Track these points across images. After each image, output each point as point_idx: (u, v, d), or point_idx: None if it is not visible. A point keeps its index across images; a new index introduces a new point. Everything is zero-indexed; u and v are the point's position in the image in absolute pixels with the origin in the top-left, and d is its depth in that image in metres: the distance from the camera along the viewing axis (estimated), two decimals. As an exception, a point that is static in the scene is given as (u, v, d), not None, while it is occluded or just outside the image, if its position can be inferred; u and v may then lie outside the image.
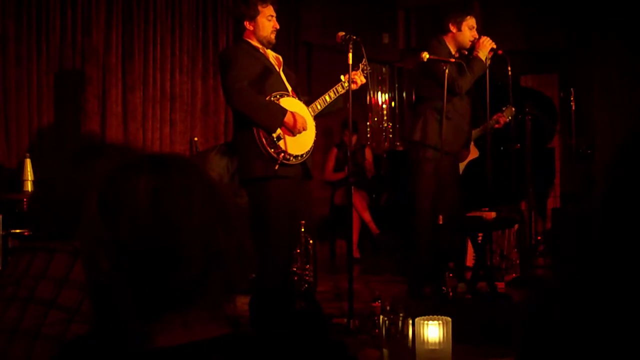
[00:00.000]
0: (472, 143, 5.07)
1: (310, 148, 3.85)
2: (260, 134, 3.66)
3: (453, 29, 4.56)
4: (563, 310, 1.07)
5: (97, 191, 0.99)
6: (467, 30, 4.54)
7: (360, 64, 4.05)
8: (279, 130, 3.68)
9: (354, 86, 3.97)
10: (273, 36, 3.85)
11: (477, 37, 4.55)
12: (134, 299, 0.95)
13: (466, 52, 4.60)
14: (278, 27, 3.87)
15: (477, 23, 4.66)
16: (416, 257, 4.57)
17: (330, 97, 3.97)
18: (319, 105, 3.94)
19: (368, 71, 4.13)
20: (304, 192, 4.00)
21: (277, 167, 3.67)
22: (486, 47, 4.48)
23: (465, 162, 5.01)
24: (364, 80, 4.05)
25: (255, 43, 3.84)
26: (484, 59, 4.47)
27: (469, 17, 4.56)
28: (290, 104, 3.80)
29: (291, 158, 3.72)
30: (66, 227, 1.47)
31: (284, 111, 3.70)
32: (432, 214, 4.41)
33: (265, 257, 3.72)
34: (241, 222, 1.03)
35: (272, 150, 3.65)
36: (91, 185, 1.01)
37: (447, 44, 4.54)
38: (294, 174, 3.77)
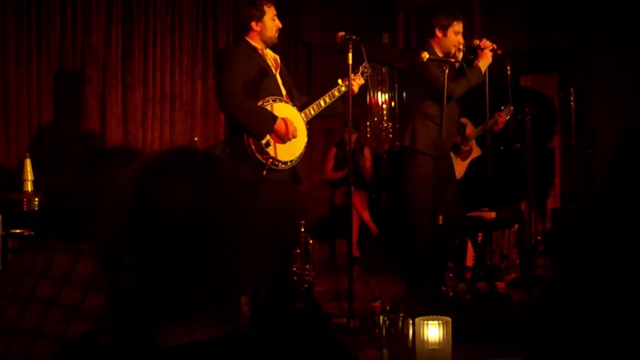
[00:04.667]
0: (474, 142, 5.07)
1: (300, 154, 3.85)
2: (250, 139, 3.67)
3: (439, 33, 4.54)
4: (565, 309, 1.07)
5: (131, 193, 0.94)
6: (453, 35, 4.51)
7: (360, 67, 4.05)
8: (267, 137, 3.69)
9: (354, 89, 3.97)
10: (276, 35, 3.88)
11: (462, 42, 4.53)
12: (149, 306, 0.93)
13: (471, 57, 4.59)
14: (281, 26, 3.90)
15: (475, 23, 4.65)
16: (414, 259, 4.58)
17: (325, 101, 3.97)
18: (312, 110, 3.93)
19: (369, 73, 4.12)
20: (298, 194, 4.00)
21: (265, 173, 3.68)
22: (488, 58, 4.47)
23: (467, 161, 5.01)
24: (362, 82, 4.05)
25: (255, 44, 3.84)
26: (483, 70, 4.46)
27: (456, 22, 4.52)
28: (283, 109, 3.81)
29: (280, 164, 3.73)
30: (75, 230, 1.47)
31: (274, 118, 3.70)
32: (429, 216, 4.42)
33: (262, 257, 3.72)
34: (261, 237, 1.01)
35: (260, 156, 3.67)
36: (121, 187, 0.96)
37: (434, 48, 4.53)
38: (283, 178, 3.78)
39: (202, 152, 1.01)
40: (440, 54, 4.50)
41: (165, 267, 0.92)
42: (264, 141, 3.68)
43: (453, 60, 4.44)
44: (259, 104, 3.73)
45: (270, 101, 3.77)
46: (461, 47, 4.51)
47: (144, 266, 0.92)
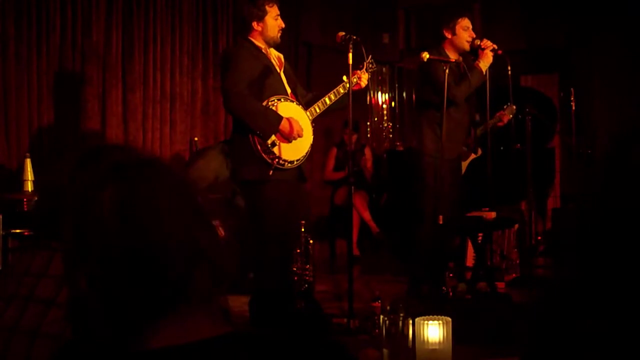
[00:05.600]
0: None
1: (306, 153, 3.85)
2: (256, 139, 3.67)
3: (448, 34, 4.55)
4: (565, 310, 1.07)
5: (69, 208, 0.97)
6: (462, 31, 4.52)
7: (365, 62, 4.05)
8: (273, 137, 3.68)
9: (361, 84, 3.98)
10: (279, 35, 3.86)
11: (474, 36, 4.54)
12: (116, 311, 0.93)
13: (472, 57, 4.59)
14: (284, 25, 3.88)
15: (475, 23, 4.65)
16: (417, 258, 4.57)
17: (330, 99, 3.96)
18: (318, 108, 3.93)
19: (373, 69, 4.13)
20: (302, 193, 4.00)
21: (271, 173, 3.67)
22: (489, 58, 4.47)
23: (467, 162, 5.02)
24: (368, 77, 4.06)
25: (258, 43, 3.83)
26: (484, 70, 4.46)
27: (460, 19, 4.54)
28: (288, 108, 3.80)
29: (286, 163, 3.73)
30: None
31: (279, 118, 3.70)
32: (433, 218, 4.42)
33: (264, 257, 3.74)
34: (221, 217, 1.01)
35: (267, 155, 3.66)
36: (63, 204, 0.99)
37: (447, 51, 4.53)
38: (289, 177, 3.78)
39: (123, 160, 1.01)
40: (455, 56, 4.49)
41: (116, 272, 0.92)
42: (269, 141, 3.67)
43: (453, 60, 4.43)
44: (264, 103, 3.72)
45: (275, 100, 3.76)
46: (476, 41, 4.50)
47: (98, 277, 0.93)
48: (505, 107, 4.92)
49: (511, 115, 4.94)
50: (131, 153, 1.07)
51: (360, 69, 4.03)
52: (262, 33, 3.82)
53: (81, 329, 0.98)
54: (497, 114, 4.88)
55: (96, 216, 0.93)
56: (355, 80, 3.96)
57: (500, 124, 4.91)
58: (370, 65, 4.09)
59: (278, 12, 3.85)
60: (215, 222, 0.99)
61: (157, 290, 0.93)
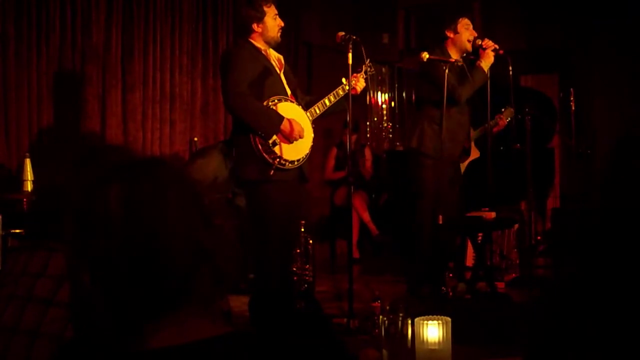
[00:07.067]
0: (472, 143, 5.08)
1: (307, 154, 3.84)
2: (257, 139, 3.67)
3: (450, 34, 4.59)
4: (565, 310, 1.07)
5: (73, 206, 0.97)
6: (464, 30, 4.57)
7: (363, 65, 4.05)
8: (274, 137, 3.68)
9: (357, 89, 3.99)
10: (279, 34, 3.87)
11: (475, 35, 4.57)
12: (119, 310, 0.93)
13: (472, 57, 4.60)
14: (283, 24, 3.88)
15: (476, 23, 4.68)
16: (417, 259, 4.58)
17: (330, 100, 3.96)
18: (318, 109, 3.93)
19: (371, 73, 4.13)
20: (302, 194, 4.00)
21: (272, 172, 3.67)
22: (490, 58, 4.49)
23: (466, 163, 5.02)
24: (364, 85, 4.05)
25: (258, 44, 3.84)
26: (486, 69, 4.48)
27: (461, 18, 4.61)
28: (288, 109, 3.80)
29: (287, 164, 3.72)
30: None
31: (280, 118, 3.70)
32: (433, 218, 4.42)
33: (264, 257, 3.74)
34: (222, 217, 1.01)
35: (268, 155, 3.66)
36: (67, 201, 0.99)
37: (449, 51, 4.57)
38: (289, 177, 3.78)
39: (129, 160, 1.02)
40: (456, 56, 4.52)
41: (121, 270, 0.92)
42: (271, 141, 3.68)
43: (453, 60, 4.44)
44: (265, 104, 3.72)
45: (276, 101, 3.76)
46: (477, 41, 4.53)
47: (102, 274, 0.93)
48: (503, 110, 4.93)
49: (509, 118, 4.95)
50: (134, 153, 1.07)
51: (359, 72, 4.03)
52: (262, 34, 3.83)
53: (83, 327, 0.98)
54: (495, 117, 4.88)
55: (101, 214, 0.93)
56: (353, 82, 3.95)
57: (496, 128, 4.92)
58: (369, 69, 4.09)
59: (276, 12, 3.85)
60: (219, 223, 1.00)
61: (159, 289, 0.93)
